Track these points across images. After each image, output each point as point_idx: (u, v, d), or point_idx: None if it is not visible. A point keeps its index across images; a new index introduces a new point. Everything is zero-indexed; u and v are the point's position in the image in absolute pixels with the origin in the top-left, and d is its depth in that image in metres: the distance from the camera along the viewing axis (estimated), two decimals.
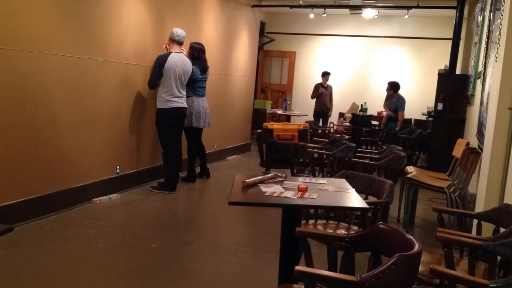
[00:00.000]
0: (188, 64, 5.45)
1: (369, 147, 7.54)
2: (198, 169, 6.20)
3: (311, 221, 3.19)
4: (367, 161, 4.66)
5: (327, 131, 8.21)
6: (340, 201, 2.60)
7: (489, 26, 4.98)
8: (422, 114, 9.55)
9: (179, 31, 5.37)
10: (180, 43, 5.40)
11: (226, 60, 7.85)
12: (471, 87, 6.35)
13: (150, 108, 5.68)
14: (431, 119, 8.23)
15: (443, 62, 8.45)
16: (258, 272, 3.39)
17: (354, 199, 2.59)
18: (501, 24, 3.61)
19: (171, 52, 5.29)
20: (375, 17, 10.00)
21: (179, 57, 5.32)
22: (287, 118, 10.17)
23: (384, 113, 8.50)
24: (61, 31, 4.22)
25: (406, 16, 9.46)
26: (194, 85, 5.73)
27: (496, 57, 3.69)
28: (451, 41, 7.75)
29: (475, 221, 2.99)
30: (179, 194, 5.46)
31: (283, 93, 11.84)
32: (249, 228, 4.62)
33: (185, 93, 5.45)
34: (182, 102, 5.38)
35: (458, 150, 5.09)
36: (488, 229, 2.70)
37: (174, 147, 5.43)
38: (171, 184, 5.40)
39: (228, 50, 7.90)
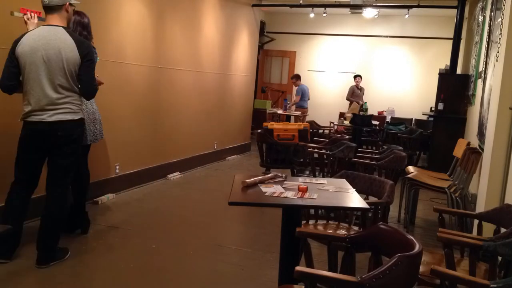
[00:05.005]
0: (59, 42, 3.11)
1: (369, 147, 7.54)
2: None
3: (311, 222, 3.18)
4: (368, 161, 4.65)
5: (317, 129, 8.14)
6: (340, 201, 2.60)
7: (489, 25, 4.97)
8: (423, 114, 9.54)
9: None
10: (50, 9, 3.14)
11: (226, 60, 7.84)
12: (471, 87, 6.34)
13: (150, 107, 5.67)
14: (431, 119, 8.22)
15: (444, 61, 8.44)
16: (258, 272, 3.38)
17: (354, 199, 2.58)
18: (501, 24, 3.60)
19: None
20: (376, 16, 9.99)
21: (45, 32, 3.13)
22: (287, 118, 10.16)
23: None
24: None
25: (407, 16, 9.45)
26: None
27: (497, 57, 3.68)
28: (451, 40, 7.74)
29: (476, 221, 2.98)
30: (178, 195, 5.45)
31: (283, 93, 11.82)
32: (249, 228, 4.62)
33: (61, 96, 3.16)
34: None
35: (458, 150, 5.08)
36: (489, 229, 2.69)
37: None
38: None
39: (228, 50, 7.89)
